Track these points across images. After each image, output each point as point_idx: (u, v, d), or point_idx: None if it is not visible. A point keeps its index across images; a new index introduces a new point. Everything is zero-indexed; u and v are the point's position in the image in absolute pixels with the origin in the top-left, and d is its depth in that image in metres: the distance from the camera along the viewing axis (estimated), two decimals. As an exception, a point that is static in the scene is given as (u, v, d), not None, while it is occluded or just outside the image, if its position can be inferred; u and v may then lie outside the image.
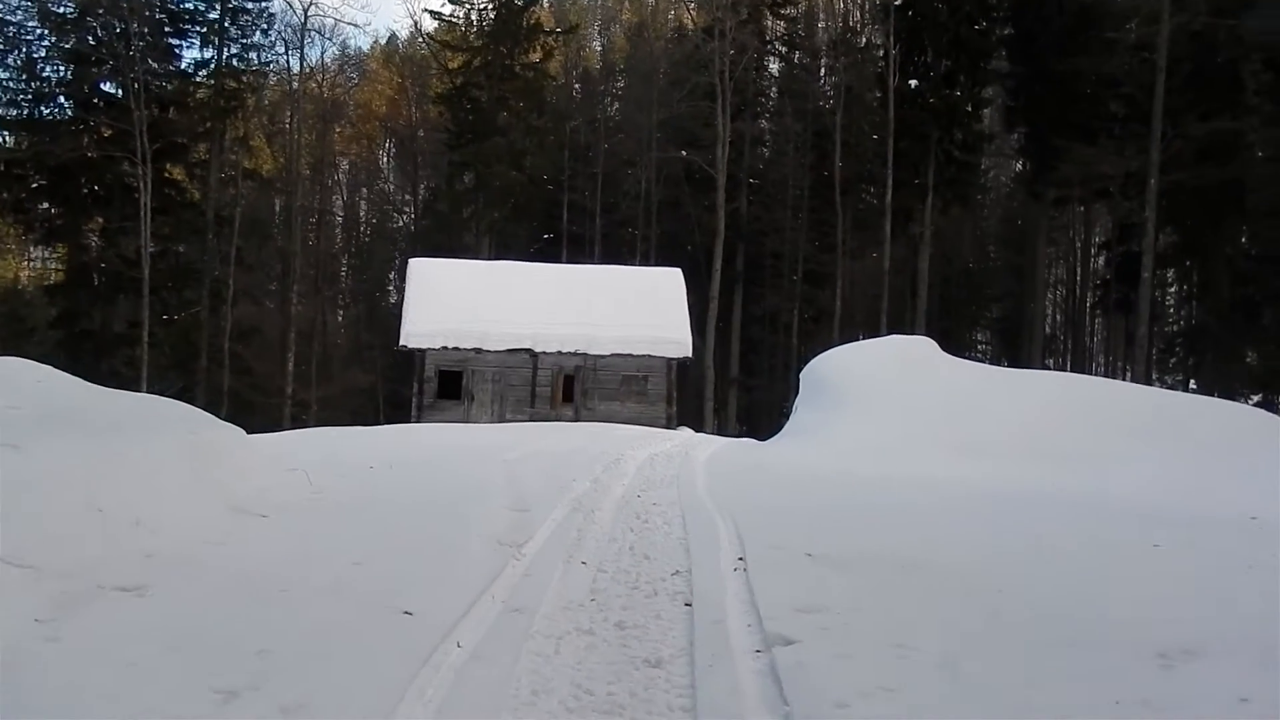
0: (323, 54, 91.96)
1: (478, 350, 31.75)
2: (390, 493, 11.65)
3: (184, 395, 42.61)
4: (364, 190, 77.23)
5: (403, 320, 32.48)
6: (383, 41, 78.04)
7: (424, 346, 31.72)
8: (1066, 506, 11.36)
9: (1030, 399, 18.43)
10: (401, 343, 32.06)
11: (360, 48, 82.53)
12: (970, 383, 19.69)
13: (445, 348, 31.69)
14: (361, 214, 75.38)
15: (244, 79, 43.94)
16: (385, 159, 77.35)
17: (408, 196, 59.72)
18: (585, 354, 32.02)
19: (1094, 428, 16.74)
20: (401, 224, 64.92)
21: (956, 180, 45.02)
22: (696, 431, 34.91)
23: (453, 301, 32.32)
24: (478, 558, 8.26)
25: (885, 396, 19.71)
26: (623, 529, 9.99)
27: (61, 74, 43.34)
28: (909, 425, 18.43)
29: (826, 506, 11.37)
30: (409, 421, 32.17)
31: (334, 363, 51.64)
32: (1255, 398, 44.52)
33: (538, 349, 31.87)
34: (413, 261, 35.54)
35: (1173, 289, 55.87)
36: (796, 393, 53.64)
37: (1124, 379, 46.14)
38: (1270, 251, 44.67)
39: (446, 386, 31.92)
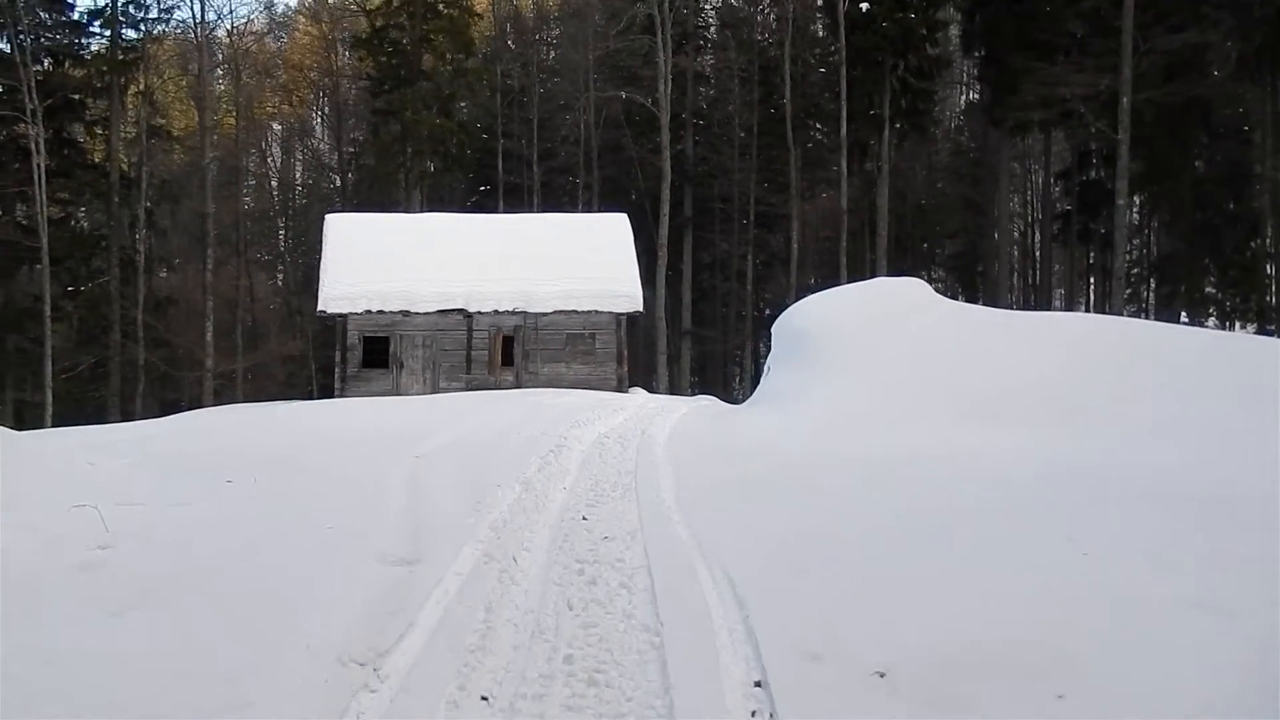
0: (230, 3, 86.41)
1: (405, 313, 27.56)
2: (218, 540, 7.72)
3: (97, 371, 38.36)
4: (297, 152, 72.22)
5: (320, 282, 28.24)
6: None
7: (345, 311, 27.48)
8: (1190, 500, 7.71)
9: (1051, 348, 14.84)
10: (320, 307, 27.78)
11: (289, 4, 77.01)
12: (977, 330, 16.06)
13: (369, 311, 27.47)
14: (296, 176, 70.40)
15: (142, 28, 39.00)
16: (319, 118, 72.35)
17: (339, 154, 54.77)
18: (525, 312, 27.97)
19: (1136, 380, 13.19)
20: (338, 184, 60.10)
21: (913, 110, 41.25)
22: (650, 393, 31.18)
23: (376, 260, 28.08)
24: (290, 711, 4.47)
25: (876, 351, 16.03)
26: (557, 602, 6.20)
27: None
28: (909, 385, 14.76)
29: (868, 530, 7.61)
30: (333, 395, 28.08)
31: (271, 331, 47.09)
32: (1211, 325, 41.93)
33: (472, 309, 27.76)
34: (329, 217, 31.08)
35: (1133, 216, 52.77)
36: (755, 344, 50.32)
37: (1086, 312, 43.12)
38: (1234, 172, 41.78)
39: (372, 354, 27.76)
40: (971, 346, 15.67)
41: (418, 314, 27.60)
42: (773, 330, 18.76)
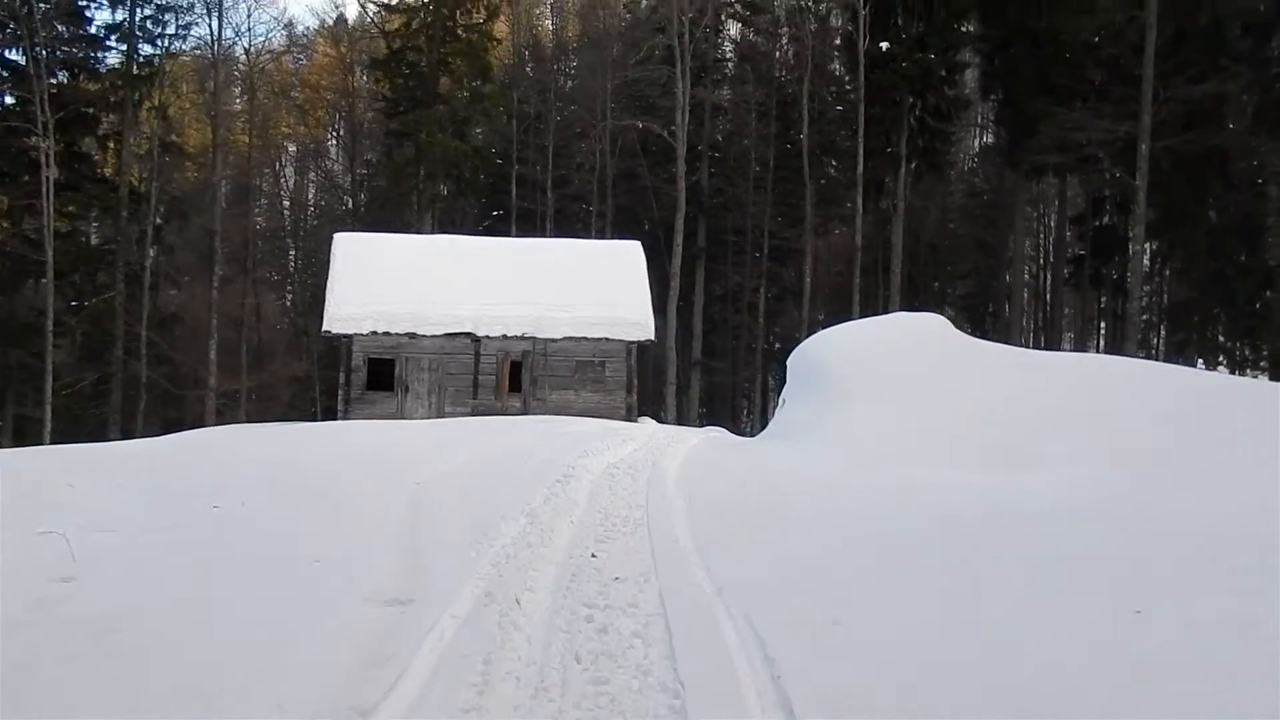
0: (249, 17, 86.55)
1: (412, 335, 26.95)
2: (191, 574, 7.05)
3: (98, 388, 37.71)
4: (311, 173, 71.88)
5: (326, 302, 27.64)
6: (330, 20, 72.60)
7: (350, 331, 26.88)
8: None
9: (1078, 387, 14.15)
10: (325, 327, 27.17)
11: (308, 28, 77.09)
12: (999, 368, 15.37)
13: (375, 332, 26.86)
14: (310, 197, 70.00)
15: (159, 44, 38.68)
16: (334, 140, 72.05)
17: (351, 176, 54.33)
18: (534, 337, 27.34)
19: (1174, 424, 12.49)
20: (350, 205, 59.71)
21: (930, 149, 40.75)
22: (659, 422, 30.50)
23: (384, 281, 27.49)
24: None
25: (894, 386, 15.35)
26: (564, 653, 5.50)
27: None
28: (929, 422, 14.09)
29: (904, 577, 6.88)
30: (335, 417, 27.41)
31: (278, 352, 46.41)
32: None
33: (480, 333, 27.15)
34: (338, 236, 30.54)
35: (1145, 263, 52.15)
36: (765, 378, 49.62)
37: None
38: (1247, 224, 41.20)
39: (377, 376, 27.12)
40: (995, 384, 15.00)
41: (425, 337, 27.00)
42: (788, 363, 18.09)
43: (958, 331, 17.39)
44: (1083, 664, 4.86)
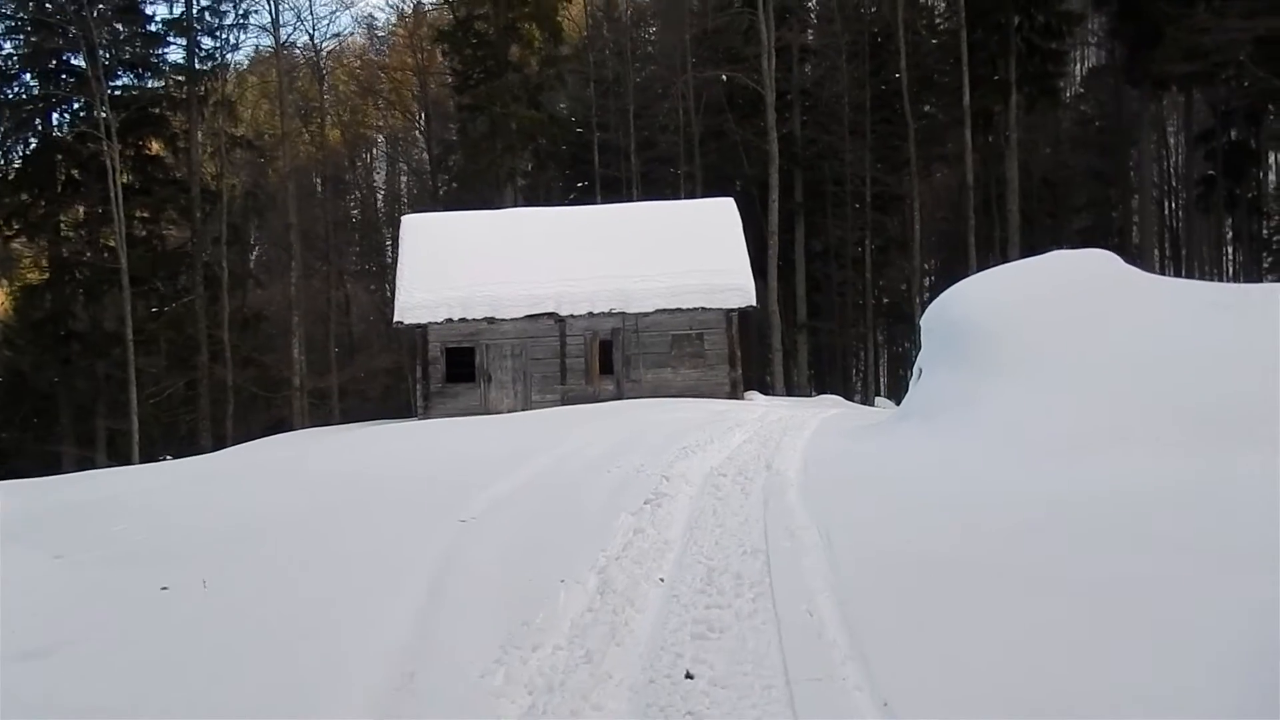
0: (311, 4, 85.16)
1: (490, 320, 24.05)
2: None
3: (188, 395, 35.94)
4: (402, 162, 69.99)
5: (396, 290, 24.97)
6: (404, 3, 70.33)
7: (424, 320, 24.08)
8: None
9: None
10: (396, 318, 24.47)
11: (390, 20, 75.09)
12: (1193, 310, 11.68)
13: (450, 320, 24.02)
14: (403, 186, 68.05)
15: (218, 35, 36.48)
16: (419, 127, 70.07)
17: (429, 157, 51.77)
18: (623, 313, 24.23)
19: None
20: (431, 187, 57.43)
21: (1041, 73, 36.35)
22: (767, 396, 27.25)
23: (457, 263, 24.60)
24: None
25: (1064, 345, 11.77)
26: None
27: (21, 46, 36.27)
28: (1114, 389, 10.53)
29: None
30: (414, 415, 24.73)
31: (373, 346, 44.15)
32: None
33: (564, 312, 24.13)
34: (406, 219, 27.76)
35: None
36: (875, 335, 45.74)
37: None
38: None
39: (457, 367, 24.32)
40: (1192, 333, 11.36)
41: (504, 320, 24.13)
42: (922, 323, 14.63)
43: (1132, 268, 13.73)
44: None
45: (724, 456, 12.25)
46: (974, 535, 7.05)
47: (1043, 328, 12.34)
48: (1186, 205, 45.13)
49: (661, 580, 6.73)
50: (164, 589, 6.74)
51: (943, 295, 14.44)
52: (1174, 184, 49.43)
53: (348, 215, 54.28)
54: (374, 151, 66.15)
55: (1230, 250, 47.63)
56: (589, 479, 10.71)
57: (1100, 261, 13.73)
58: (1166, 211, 50.17)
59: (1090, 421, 10.06)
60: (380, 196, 65.93)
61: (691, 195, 37.11)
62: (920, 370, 14.13)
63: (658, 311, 24.32)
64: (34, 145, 36.62)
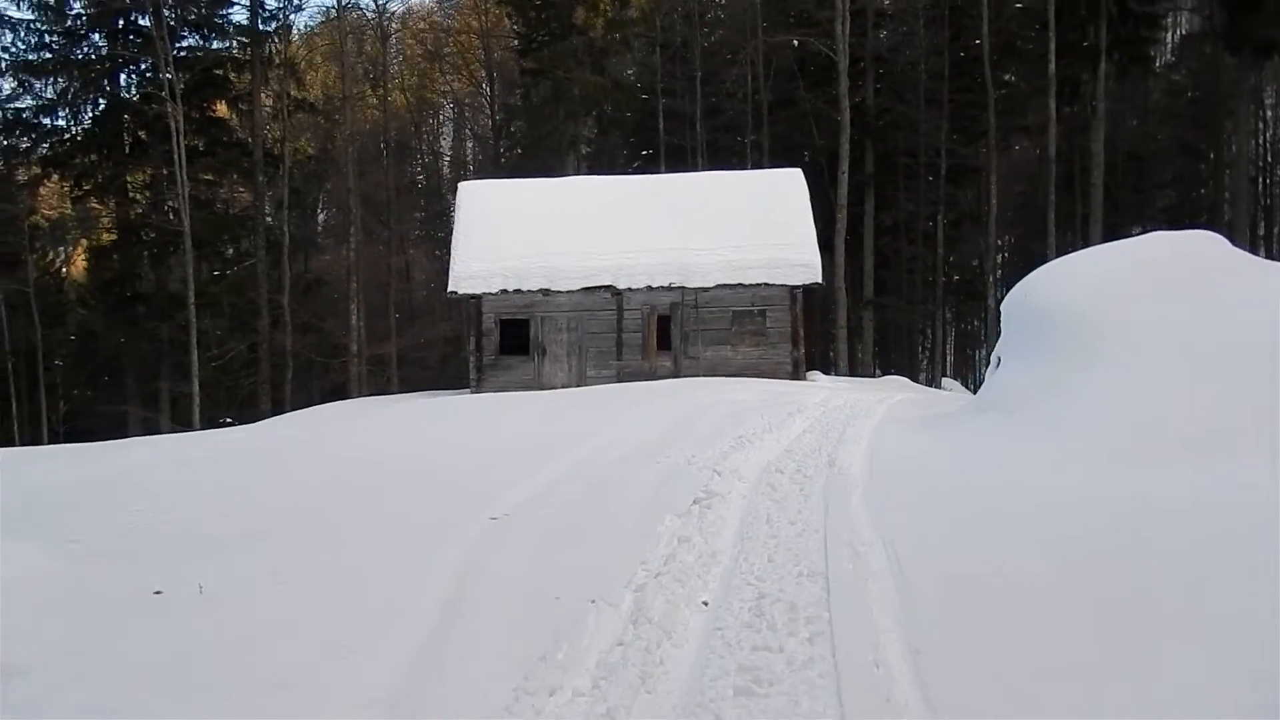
0: None
1: (546, 292, 23.25)
2: None
3: (249, 359, 35.75)
4: (469, 128, 69.31)
5: (451, 259, 24.23)
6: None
7: (478, 291, 23.35)
8: None
9: None
10: (450, 288, 23.75)
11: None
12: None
13: (505, 291, 23.26)
14: (469, 152, 67.37)
15: (282, -6, 35.91)
16: (486, 94, 69.35)
17: (492, 122, 50.88)
18: (683, 287, 23.26)
19: None
20: (494, 153, 56.75)
21: (1134, 38, 34.34)
22: (829, 376, 26.14)
23: (513, 232, 23.83)
24: None
25: (1165, 335, 10.61)
26: None
27: (89, 6, 36.09)
28: (1224, 385, 9.38)
29: None
30: (470, 388, 24.01)
31: (435, 314, 43.60)
32: None
33: (621, 285, 23.22)
34: (463, 186, 27.01)
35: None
36: (944, 314, 44.10)
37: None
38: None
39: (511, 339, 23.59)
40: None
41: (560, 293, 23.31)
42: (1003, 308, 13.46)
43: (1242, 252, 12.44)
44: None
45: (782, 448, 11.30)
46: (1077, 560, 6.04)
47: (1149, 316, 11.14)
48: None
49: (705, 604, 5.83)
50: (157, 593, 5.99)
51: (1026, 279, 13.26)
52: (1269, 159, 46.86)
53: (413, 181, 53.67)
54: (440, 116, 65.58)
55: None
56: (635, 472, 9.86)
57: (1205, 243, 12.45)
58: (1260, 188, 47.65)
59: (1206, 422, 8.95)
60: (446, 163, 65.34)
61: (758, 165, 35.86)
62: (999, 359, 13.00)
63: (718, 287, 23.31)
64: (102, 106, 36.59)
